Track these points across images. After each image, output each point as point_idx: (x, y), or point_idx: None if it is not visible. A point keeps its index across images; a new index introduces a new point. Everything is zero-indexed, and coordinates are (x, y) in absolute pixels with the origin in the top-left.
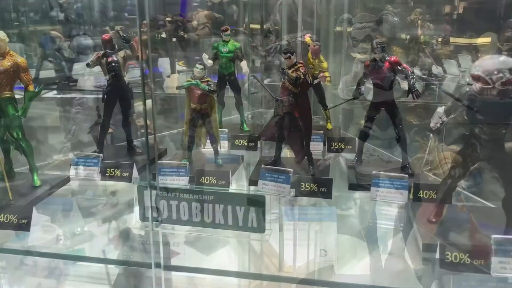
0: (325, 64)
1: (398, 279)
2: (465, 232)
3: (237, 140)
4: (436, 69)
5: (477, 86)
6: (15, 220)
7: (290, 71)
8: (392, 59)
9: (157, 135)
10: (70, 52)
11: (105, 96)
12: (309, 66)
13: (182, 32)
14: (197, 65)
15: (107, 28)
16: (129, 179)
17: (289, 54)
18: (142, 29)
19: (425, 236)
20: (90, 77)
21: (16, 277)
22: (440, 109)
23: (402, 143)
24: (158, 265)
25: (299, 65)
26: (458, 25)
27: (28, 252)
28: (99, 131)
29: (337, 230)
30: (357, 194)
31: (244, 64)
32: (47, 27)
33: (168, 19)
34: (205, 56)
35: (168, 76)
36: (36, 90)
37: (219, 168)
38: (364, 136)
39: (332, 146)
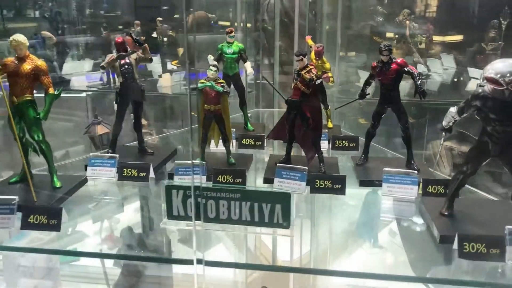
0: (327, 65)
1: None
2: (477, 223)
3: (244, 139)
4: (421, 67)
5: (489, 87)
6: (45, 221)
7: (303, 73)
8: (399, 60)
9: (160, 136)
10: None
11: (119, 97)
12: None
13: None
14: (211, 67)
15: (101, 28)
16: (146, 179)
17: (301, 57)
18: (133, 29)
19: (441, 228)
20: (80, 77)
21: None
22: (453, 109)
23: (408, 140)
24: (199, 261)
25: (310, 67)
26: (443, 26)
27: (57, 251)
28: (96, 131)
29: (348, 223)
30: (367, 190)
31: (248, 65)
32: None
33: (159, 18)
34: (210, 57)
35: (160, 76)
36: (56, 93)
37: (235, 167)
38: (371, 134)
39: (336, 144)
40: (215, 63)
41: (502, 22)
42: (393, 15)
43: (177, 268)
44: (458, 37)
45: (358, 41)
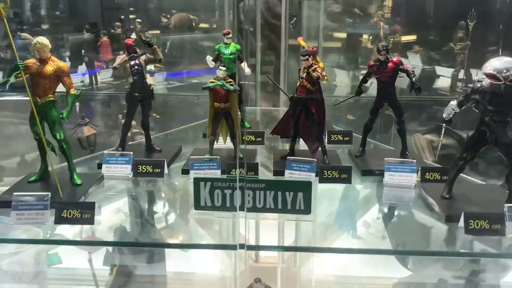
0: (321, 64)
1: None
2: (475, 204)
3: (246, 136)
4: None
5: (487, 82)
6: (78, 215)
7: (311, 70)
8: (395, 59)
9: (157, 134)
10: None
11: (129, 97)
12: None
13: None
14: (220, 67)
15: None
16: (161, 174)
17: (307, 56)
18: (115, 30)
19: (445, 208)
20: None
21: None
22: (453, 102)
23: (402, 133)
24: (242, 246)
25: (315, 66)
26: (411, 27)
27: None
28: (83, 133)
29: (356, 208)
30: (369, 179)
31: (244, 64)
32: None
33: (138, 20)
34: (209, 58)
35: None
36: (76, 94)
37: (246, 159)
38: (368, 128)
39: (332, 138)
40: (213, 63)
41: (469, 23)
42: (368, 17)
43: (170, 267)
44: (427, 37)
45: (334, 41)
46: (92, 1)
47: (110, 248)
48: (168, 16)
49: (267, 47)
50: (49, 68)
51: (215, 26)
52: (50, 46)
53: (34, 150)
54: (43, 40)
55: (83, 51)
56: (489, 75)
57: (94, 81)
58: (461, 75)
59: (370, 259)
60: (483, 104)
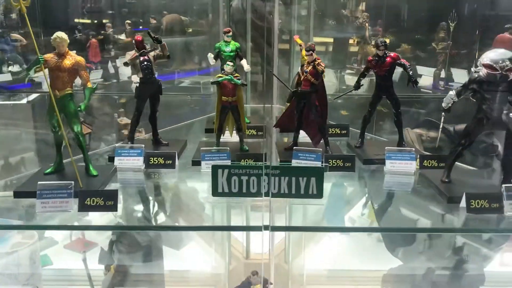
0: None
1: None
2: (472, 186)
3: (247, 130)
4: None
5: (484, 72)
6: (101, 203)
7: (316, 64)
8: (392, 54)
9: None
10: None
11: (138, 92)
12: (302, 63)
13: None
14: (228, 63)
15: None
16: (173, 165)
17: (311, 51)
18: (106, 31)
19: (447, 191)
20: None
21: None
22: (452, 92)
23: (399, 124)
24: (266, 228)
25: (318, 60)
26: (395, 27)
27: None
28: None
29: (362, 193)
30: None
31: (244, 62)
32: None
33: (128, 21)
34: (210, 55)
35: (129, 77)
36: (93, 87)
37: (252, 151)
38: (367, 120)
39: (330, 131)
40: (214, 61)
41: (450, 24)
42: (354, 18)
43: (168, 266)
44: (410, 38)
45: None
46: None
47: (105, 248)
48: (153, 16)
49: (255, 48)
50: (67, 62)
51: (206, 27)
52: (68, 40)
53: (28, 151)
54: (62, 35)
55: (74, 52)
56: (486, 65)
57: None
58: (443, 74)
59: (361, 252)
60: (481, 93)
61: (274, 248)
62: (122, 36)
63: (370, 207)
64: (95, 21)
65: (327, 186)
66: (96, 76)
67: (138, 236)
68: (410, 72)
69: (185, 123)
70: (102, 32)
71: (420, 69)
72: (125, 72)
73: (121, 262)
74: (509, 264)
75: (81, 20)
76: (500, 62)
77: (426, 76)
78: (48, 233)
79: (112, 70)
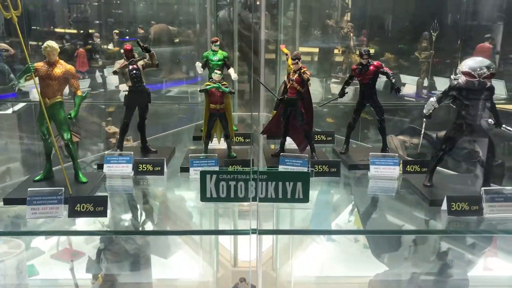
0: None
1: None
2: (453, 190)
3: (235, 137)
4: None
5: (463, 79)
6: (91, 208)
7: (301, 72)
8: (375, 63)
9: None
10: None
11: (127, 100)
12: (289, 72)
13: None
14: (216, 71)
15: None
16: (161, 172)
17: (297, 60)
18: (95, 40)
19: (429, 194)
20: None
21: None
22: (433, 99)
23: (383, 130)
24: (254, 231)
25: (304, 69)
26: (379, 37)
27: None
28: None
29: (347, 198)
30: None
31: (231, 71)
32: None
33: (116, 31)
34: (198, 64)
35: (116, 87)
36: (83, 95)
37: (240, 158)
38: (351, 127)
39: (316, 138)
40: (202, 69)
41: (433, 33)
42: (339, 28)
43: (156, 274)
44: (393, 46)
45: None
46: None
47: (92, 256)
48: (141, 26)
49: (242, 58)
50: (58, 70)
51: (194, 37)
52: (58, 49)
53: (13, 161)
54: (53, 43)
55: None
56: (465, 73)
57: None
58: (426, 82)
59: (348, 258)
60: (460, 99)
61: (262, 256)
62: (110, 46)
63: (354, 211)
64: (82, 31)
65: (313, 191)
66: (83, 85)
67: (126, 244)
68: (393, 80)
69: (173, 131)
70: (90, 42)
71: (404, 78)
72: (113, 81)
73: (109, 271)
74: (492, 268)
75: (68, 30)
76: (478, 69)
77: (409, 85)
78: (34, 242)
79: (99, 80)
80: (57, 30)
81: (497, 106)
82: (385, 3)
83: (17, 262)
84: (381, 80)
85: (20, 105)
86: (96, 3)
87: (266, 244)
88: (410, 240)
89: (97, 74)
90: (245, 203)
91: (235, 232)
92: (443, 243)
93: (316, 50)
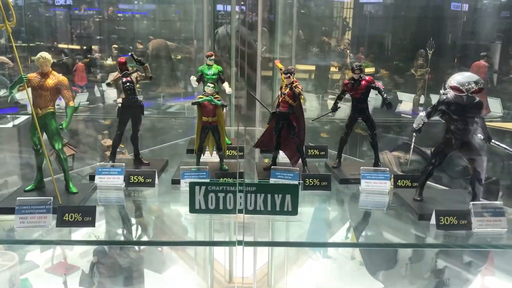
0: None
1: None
2: (442, 204)
3: (228, 151)
4: None
5: (452, 94)
6: (79, 218)
7: (293, 87)
8: (367, 78)
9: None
10: None
11: (120, 112)
12: (281, 86)
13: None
14: (209, 84)
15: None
16: (152, 184)
17: (289, 74)
18: (93, 54)
19: (418, 209)
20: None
21: None
22: (422, 113)
23: (375, 145)
24: (240, 243)
25: (296, 83)
26: (375, 55)
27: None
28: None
29: (338, 211)
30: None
31: (226, 85)
32: None
33: (115, 46)
34: (193, 78)
35: (115, 100)
36: (75, 106)
37: (231, 171)
38: (344, 141)
39: (309, 152)
40: (197, 83)
41: (428, 51)
42: (336, 45)
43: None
44: (390, 64)
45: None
46: (71, 27)
47: (86, 270)
48: (140, 41)
49: (240, 73)
50: (50, 81)
51: (192, 52)
52: (51, 60)
53: (12, 174)
54: (46, 54)
55: (61, 75)
56: (453, 88)
57: None
58: (422, 99)
59: (343, 276)
60: (449, 114)
61: (256, 273)
62: (109, 61)
63: (344, 224)
64: (84, 47)
65: (303, 204)
66: (82, 99)
67: (120, 259)
68: (384, 95)
69: (168, 144)
70: (89, 56)
71: (401, 95)
72: (111, 95)
73: (102, 285)
74: (487, 285)
75: (71, 46)
76: (466, 84)
77: (406, 102)
78: (28, 256)
79: (98, 94)
80: (60, 46)
81: (493, 123)
82: (384, 22)
83: (10, 275)
84: (379, 97)
85: (21, 119)
86: (98, 19)
87: (261, 261)
88: (406, 257)
89: (96, 88)
90: (239, 215)
91: (220, 243)
92: (440, 260)
93: (313, 68)
